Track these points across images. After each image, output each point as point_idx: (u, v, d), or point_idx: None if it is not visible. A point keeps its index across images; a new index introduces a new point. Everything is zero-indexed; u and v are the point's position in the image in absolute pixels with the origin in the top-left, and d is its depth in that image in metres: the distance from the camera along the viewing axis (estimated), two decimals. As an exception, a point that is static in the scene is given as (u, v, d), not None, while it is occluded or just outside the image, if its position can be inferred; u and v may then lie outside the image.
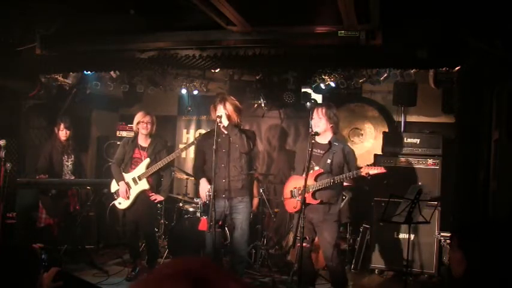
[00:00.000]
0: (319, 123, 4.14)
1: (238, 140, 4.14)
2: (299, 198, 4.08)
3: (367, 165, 4.08)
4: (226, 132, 4.20)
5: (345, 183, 4.17)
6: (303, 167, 4.09)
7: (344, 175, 4.00)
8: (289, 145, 7.03)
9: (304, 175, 3.96)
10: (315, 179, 4.09)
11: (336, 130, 4.23)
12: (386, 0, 3.33)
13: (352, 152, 4.27)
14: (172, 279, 0.89)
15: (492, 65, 3.62)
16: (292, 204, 4.26)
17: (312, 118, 4.23)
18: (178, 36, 4.18)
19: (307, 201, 3.97)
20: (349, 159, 4.14)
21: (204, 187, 4.24)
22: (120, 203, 5.05)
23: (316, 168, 4.13)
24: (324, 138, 4.18)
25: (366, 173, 3.91)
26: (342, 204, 5.96)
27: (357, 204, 6.05)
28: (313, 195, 4.08)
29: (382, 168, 3.96)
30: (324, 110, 4.14)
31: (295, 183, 4.27)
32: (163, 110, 7.31)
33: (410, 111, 6.34)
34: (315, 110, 4.21)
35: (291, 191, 4.29)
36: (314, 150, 4.08)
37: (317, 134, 4.16)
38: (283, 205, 4.48)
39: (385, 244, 5.44)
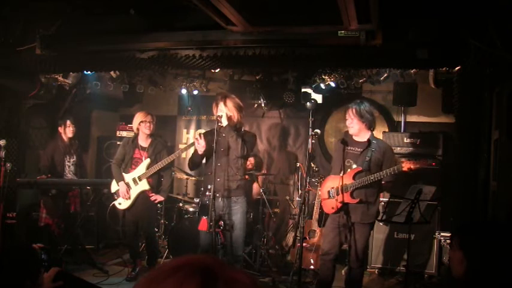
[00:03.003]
0: (352, 124, 4.08)
1: (233, 144, 4.14)
2: (337, 198, 4.05)
3: (407, 160, 4.00)
4: (223, 132, 4.19)
5: (383, 182, 4.06)
6: (340, 167, 4.11)
7: (384, 172, 3.87)
8: (289, 145, 7.03)
9: (341, 174, 4.02)
10: (353, 178, 4.01)
11: (370, 126, 4.09)
12: (386, 0, 3.33)
13: (389, 148, 4.17)
14: (181, 271, 0.90)
15: (492, 65, 3.62)
16: (330, 205, 4.15)
17: (346, 119, 4.16)
18: (178, 36, 4.18)
19: (345, 201, 3.96)
20: (387, 156, 4.03)
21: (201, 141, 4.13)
22: (120, 204, 5.05)
23: (354, 166, 4.05)
24: (361, 137, 4.11)
25: (408, 168, 3.80)
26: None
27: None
28: (352, 194, 4.00)
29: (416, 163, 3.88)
30: (354, 110, 4.05)
31: (332, 183, 4.17)
32: (163, 110, 7.31)
33: (410, 111, 6.34)
34: (347, 111, 4.13)
35: (328, 192, 4.18)
36: (352, 148, 4.07)
37: (317, 133, 4.18)
38: (321, 206, 4.34)
39: (385, 244, 5.44)
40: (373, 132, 4.19)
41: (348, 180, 4.02)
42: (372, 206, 4.05)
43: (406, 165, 3.83)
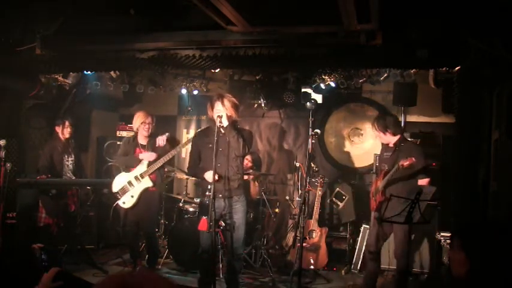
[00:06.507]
0: (380, 138, 4.53)
1: (235, 143, 4.13)
2: (375, 197, 4.44)
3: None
4: (223, 131, 4.17)
5: (420, 182, 4.29)
6: (379, 170, 4.64)
7: (394, 168, 4.23)
8: (289, 145, 7.03)
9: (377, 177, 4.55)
10: (383, 179, 4.40)
11: (395, 132, 4.42)
12: (386, 1, 3.33)
13: (415, 148, 4.43)
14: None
15: (492, 65, 3.62)
16: (372, 204, 4.56)
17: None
18: (178, 36, 4.18)
19: (379, 200, 4.36)
20: (414, 155, 4.24)
21: (209, 173, 4.08)
22: (124, 203, 5.03)
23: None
24: (391, 143, 4.49)
25: (401, 165, 4.14)
26: (342, 204, 6.01)
27: (357, 204, 6.05)
28: (384, 193, 4.33)
29: (412, 159, 4.14)
30: (375, 126, 4.48)
31: (375, 185, 4.59)
32: (163, 110, 7.31)
33: (410, 111, 6.34)
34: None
35: (372, 192, 4.59)
36: (386, 153, 4.52)
37: (317, 133, 4.41)
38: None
39: (385, 244, 5.43)
40: (402, 135, 4.52)
41: (380, 181, 4.42)
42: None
43: (400, 162, 4.17)
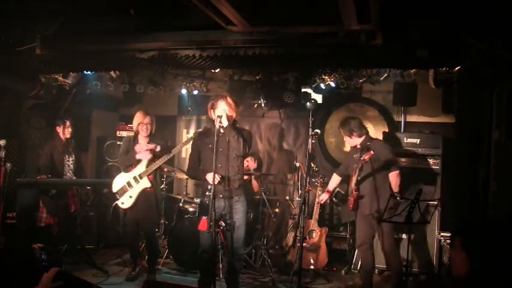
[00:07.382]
0: (347, 141, 4.73)
1: (235, 143, 4.12)
2: (350, 197, 4.57)
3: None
4: (222, 131, 4.16)
5: (390, 176, 4.48)
6: (349, 171, 4.78)
7: (359, 165, 4.37)
8: (289, 145, 7.03)
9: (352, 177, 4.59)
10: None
11: (360, 134, 4.58)
12: (386, 1, 3.34)
13: (378, 146, 4.54)
14: None
15: (492, 65, 3.63)
16: (349, 203, 4.68)
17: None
18: (178, 36, 4.18)
19: (354, 197, 4.49)
20: (377, 153, 4.39)
21: (210, 175, 4.04)
22: (122, 203, 5.02)
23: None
24: (358, 144, 4.64)
25: (362, 159, 4.33)
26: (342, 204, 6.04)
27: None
28: (358, 191, 4.49)
29: (371, 152, 4.33)
30: (341, 131, 4.69)
31: (349, 185, 4.71)
32: (163, 110, 7.31)
33: (410, 111, 6.34)
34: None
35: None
36: (355, 155, 4.62)
37: (317, 133, 4.46)
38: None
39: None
40: (367, 135, 4.64)
41: (352, 181, 4.52)
42: (374, 201, 4.43)
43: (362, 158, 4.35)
